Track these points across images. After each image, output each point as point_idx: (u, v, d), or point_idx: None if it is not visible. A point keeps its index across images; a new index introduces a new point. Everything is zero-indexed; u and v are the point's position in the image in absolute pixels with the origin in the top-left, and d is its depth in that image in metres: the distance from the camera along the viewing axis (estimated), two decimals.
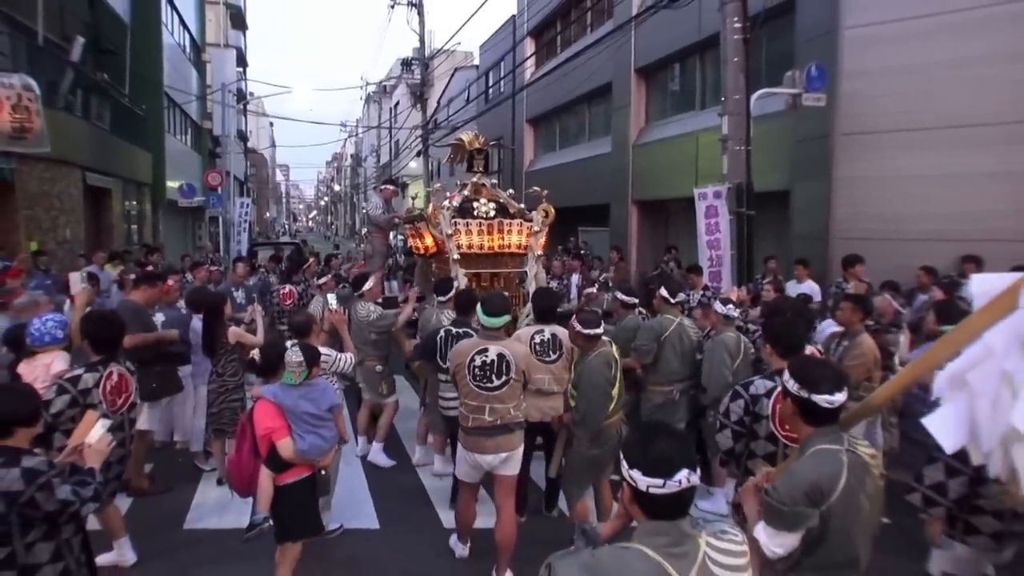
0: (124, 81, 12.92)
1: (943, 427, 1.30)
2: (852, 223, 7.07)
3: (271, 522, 2.69)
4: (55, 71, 9.17)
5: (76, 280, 4.87)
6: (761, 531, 1.65)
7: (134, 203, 13.61)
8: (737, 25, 6.05)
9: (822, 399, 1.68)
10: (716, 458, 3.83)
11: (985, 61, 6.26)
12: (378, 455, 4.89)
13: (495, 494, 3.30)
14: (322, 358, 3.29)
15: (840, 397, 1.69)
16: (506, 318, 3.14)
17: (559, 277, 8.02)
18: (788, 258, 7.92)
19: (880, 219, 6.81)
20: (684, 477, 1.24)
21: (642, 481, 1.25)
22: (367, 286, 4.74)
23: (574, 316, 3.38)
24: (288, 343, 3.33)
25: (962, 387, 1.29)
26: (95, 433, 2.20)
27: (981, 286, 1.33)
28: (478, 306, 3.22)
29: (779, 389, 2.15)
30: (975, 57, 6.30)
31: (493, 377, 3.03)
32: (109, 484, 2.93)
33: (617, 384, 3.18)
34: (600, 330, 3.20)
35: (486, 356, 3.04)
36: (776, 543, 1.62)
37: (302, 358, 2.79)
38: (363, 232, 14.74)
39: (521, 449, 3.23)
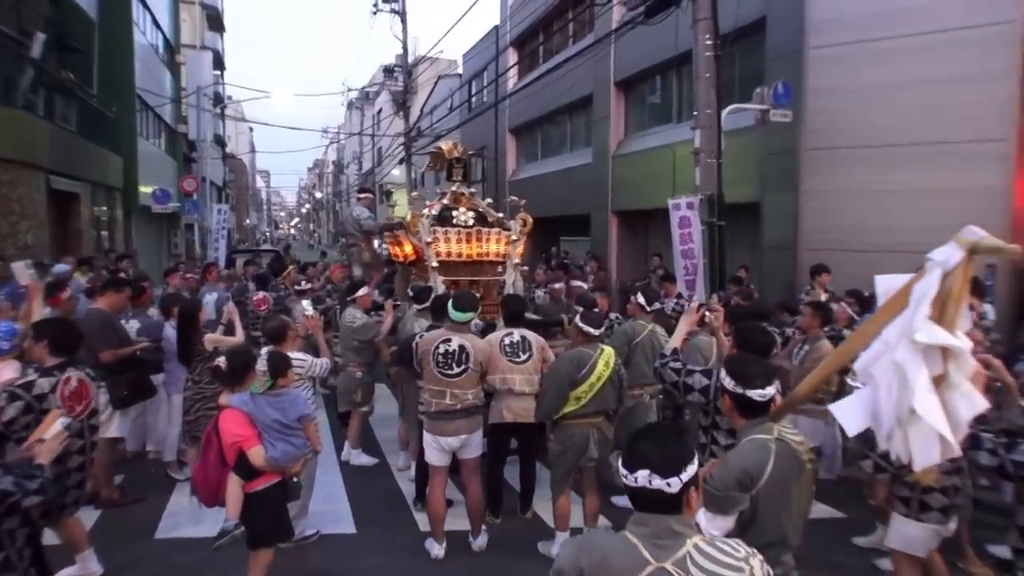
0: (92, 81, 12.40)
1: (847, 413, 1.46)
2: (818, 234, 7.37)
3: (242, 528, 2.68)
4: (13, 67, 8.72)
5: (21, 269, 4.26)
6: (701, 516, 1.78)
7: (104, 208, 13.08)
8: (708, 42, 6.29)
9: (756, 394, 1.84)
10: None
11: (937, 84, 6.61)
12: (359, 457, 4.97)
13: (462, 475, 3.61)
14: (296, 364, 3.34)
15: (771, 391, 1.85)
16: (472, 314, 3.48)
17: (543, 285, 8.15)
18: (760, 267, 8.21)
19: (843, 230, 7.11)
20: (644, 477, 1.27)
21: (620, 468, 1.34)
22: (360, 293, 4.89)
23: (580, 312, 3.61)
24: (263, 350, 3.32)
25: (869, 378, 1.44)
26: (52, 430, 2.19)
27: (882, 286, 1.49)
28: (449, 302, 3.53)
29: None
30: (929, 79, 6.65)
31: (454, 365, 3.40)
32: (69, 493, 2.85)
33: (583, 387, 3.27)
34: (595, 331, 3.40)
35: (449, 345, 3.42)
36: (714, 526, 1.75)
37: (265, 367, 2.81)
38: (344, 241, 14.65)
39: (480, 432, 3.52)
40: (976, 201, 6.30)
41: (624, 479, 1.31)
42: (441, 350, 3.39)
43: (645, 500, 1.30)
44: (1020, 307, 6.20)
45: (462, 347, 3.40)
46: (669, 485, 1.27)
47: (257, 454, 2.70)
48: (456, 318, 3.45)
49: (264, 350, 3.36)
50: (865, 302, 4.90)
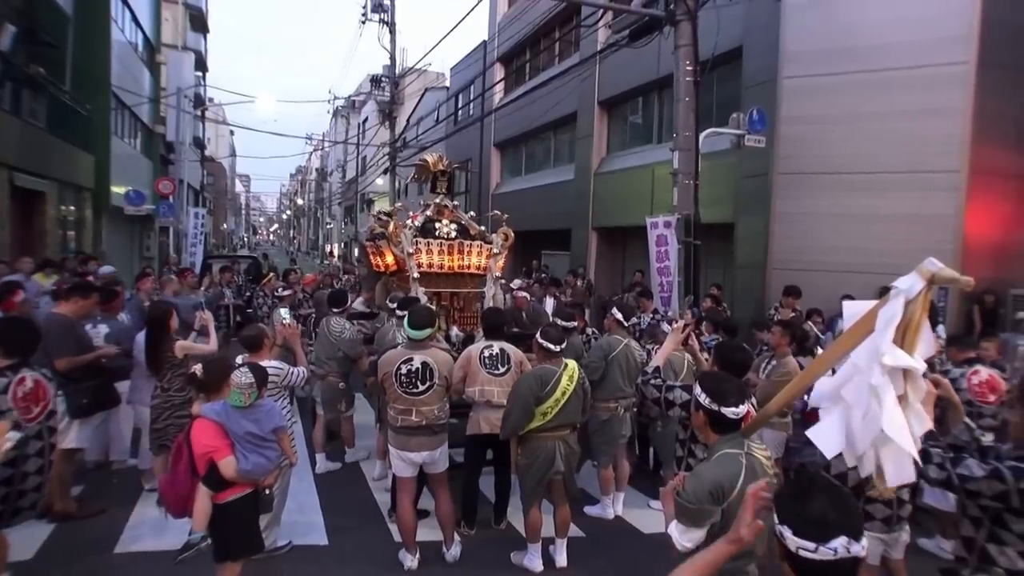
0: (64, 77, 11.95)
1: (824, 437, 1.51)
2: (788, 255, 7.67)
3: (208, 541, 2.59)
4: None
5: None
6: (673, 528, 1.82)
7: (72, 208, 12.54)
8: (688, 68, 6.55)
9: (729, 411, 1.89)
10: (668, 471, 4.06)
11: (899, 116, 7.01)
12: (355, 454, 5.10)
13: (431, 487, 3.62)
14: (274, 372, 3.29)
15: (743, 408, 1.92)
16: (430, 330, 3.42)
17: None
18: (733, 285, 8.46)
19: (811, 252, 7.43)
20: (842, 546, 1.06)
21: (791, 541, 1.11)
22: (344, 306, 4.92)
23: (540, 329, 3.59)
24: (239, 358, 3.26)
25: (837, 401, 1.51)
26: None
27: (849, 311, 1.58)
28: (404, 320, 3.48)
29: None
30: (891, 112, 7.05)
31: (418, 383, 3.35)
32: (26, 496, 2.74)
33: (548, 403, 3.29)
34: (556, 347, 3.40)
35: (411, 364, 3.36)
36: (685, 538, 1.79)
37: (252, 379, 2.70)
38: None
39: (445, 447, 3.50)
40: (931, 226, 6.72)
41: (807, 553, 1.07)
42: (403, 370, 3.33)
43: (833, 573, 1.08)
44: (969, 327, 6.57)
45: (425, 364, 3.35)
46: (864, 548, 1.08)
47: (228, 465, 2.62)
48: (414, 336, 3.37)
49: (239, 358, 3.30)
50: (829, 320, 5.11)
